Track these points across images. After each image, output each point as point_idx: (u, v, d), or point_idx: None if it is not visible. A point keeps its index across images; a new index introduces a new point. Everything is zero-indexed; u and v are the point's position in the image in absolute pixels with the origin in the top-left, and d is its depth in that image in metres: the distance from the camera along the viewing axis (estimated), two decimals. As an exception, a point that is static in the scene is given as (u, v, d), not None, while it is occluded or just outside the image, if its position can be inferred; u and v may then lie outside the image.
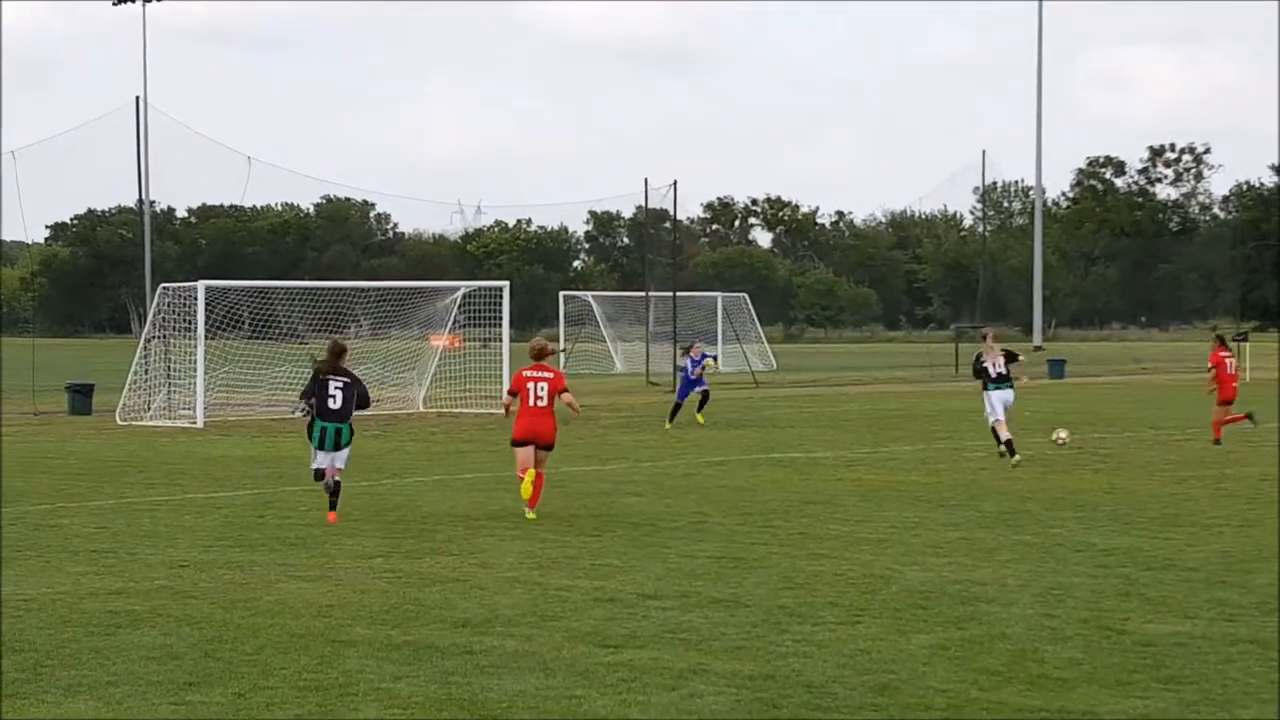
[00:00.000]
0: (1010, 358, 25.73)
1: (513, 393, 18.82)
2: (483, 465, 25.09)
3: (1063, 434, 26.22)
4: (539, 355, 18.84)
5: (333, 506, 18.16)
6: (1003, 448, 24.84)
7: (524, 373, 18.72)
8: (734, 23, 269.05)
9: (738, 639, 11.36)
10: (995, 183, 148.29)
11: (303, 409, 18.78)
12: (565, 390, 18.64)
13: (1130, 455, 26.12)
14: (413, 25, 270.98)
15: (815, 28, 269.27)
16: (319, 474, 18.36)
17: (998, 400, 25.29)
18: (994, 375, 25.51)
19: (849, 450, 27.43)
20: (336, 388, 18.21)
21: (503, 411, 22.20)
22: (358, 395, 18.35)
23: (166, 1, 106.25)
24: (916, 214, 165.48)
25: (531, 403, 18.49)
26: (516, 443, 18.64)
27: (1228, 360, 28.54)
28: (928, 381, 58.06)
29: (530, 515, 18.19)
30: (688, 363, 34.91)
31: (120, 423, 35.54)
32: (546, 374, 18.64)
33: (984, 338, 26.76)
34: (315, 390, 18.23)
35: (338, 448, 18.22)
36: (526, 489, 18.23)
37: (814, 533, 16.91)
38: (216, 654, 10.94)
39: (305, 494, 20.54)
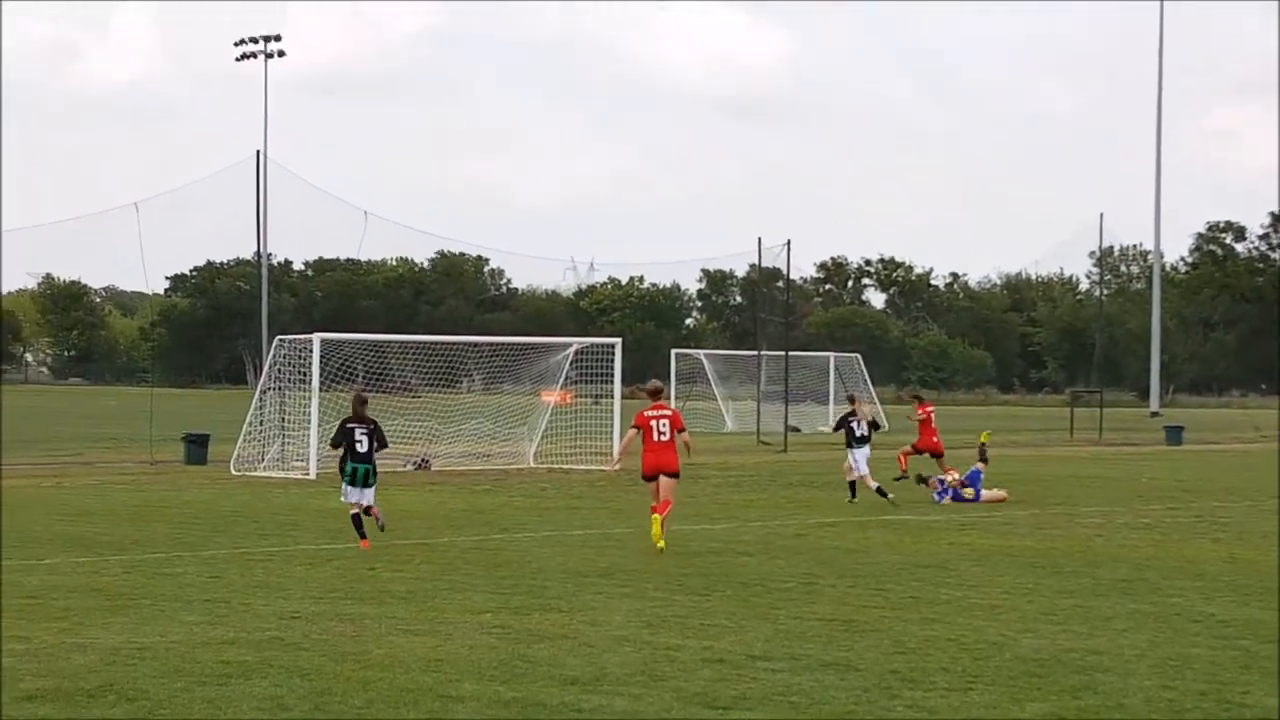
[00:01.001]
0: (873, 426, 29.91)
1: (636, 427, 20.29)
2: (592, 521, 25.08)
3: (955, 474, 30.03)
4: (656, 394, 20.56)
5: (363, 535, 20.51)
6: (876, 492, 28.27)
7: (645, 412, 20.27)
8: (845, 79, 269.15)
9: (848, 703, 11.22)
10: (1112, 246, 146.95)
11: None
12: (683, 429, 20.38)
13: (1251, 525, 25.60)
14: (522, 78, 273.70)
15: (923, 84, 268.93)
16: (354, 508, 20.94)
17: (860, 457, 28.99)
18: (858, 435, 29.12)
19: (960, 514, 27.12)
20: (363, 434, 20.89)
21: (617, 454, 23.08)
22: (378, 439, 21.07)
23: (286, 58, 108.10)
24: (1032, 276, 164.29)
25: (655, 438, 20.14)
26: (647, 478, 20.36)
27: (931, 413, 32.92)
28: (1041, 445, 57.40)
29: (660, 545, 19.82)
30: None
31: (234, 473, 35.96)
32: (666, 411, 20.35)
33: (851, 400, 31.16)
34: (344, 438, 20.90)
35: (366, 485, 20.86)
36: (656, 531, 19.88)
37: (926, 597, 16.71)
38: (326, 707, 10.96)
39: (415, 547, 20.67)
